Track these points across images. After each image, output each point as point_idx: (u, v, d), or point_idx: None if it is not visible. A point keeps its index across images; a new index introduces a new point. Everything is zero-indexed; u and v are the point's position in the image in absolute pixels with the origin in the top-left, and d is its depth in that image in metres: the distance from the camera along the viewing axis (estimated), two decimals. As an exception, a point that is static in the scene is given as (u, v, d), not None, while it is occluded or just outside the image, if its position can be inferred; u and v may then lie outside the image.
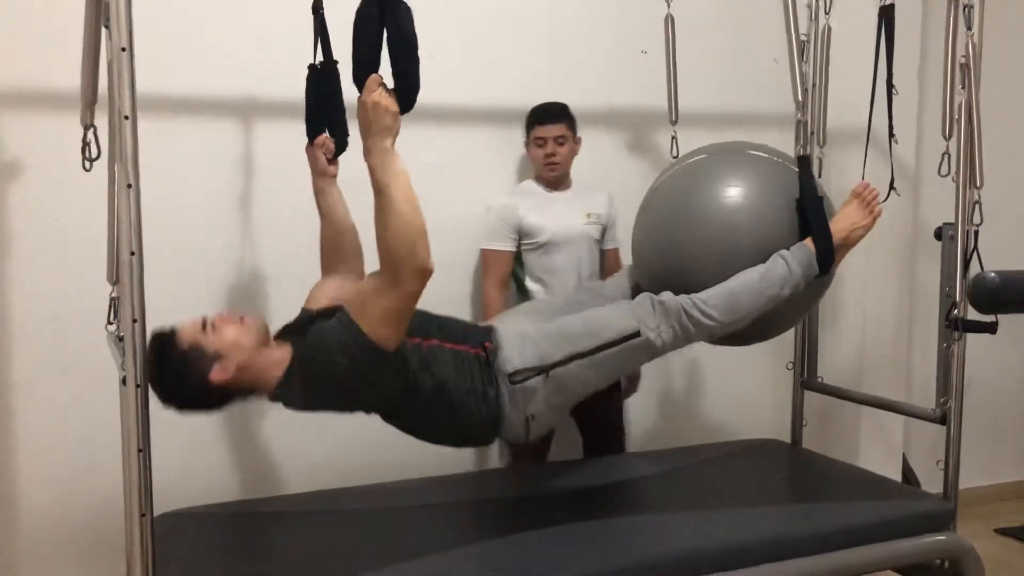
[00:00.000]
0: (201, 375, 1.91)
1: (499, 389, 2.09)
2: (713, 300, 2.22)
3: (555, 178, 2.99)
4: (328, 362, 1.89)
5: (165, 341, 1.91)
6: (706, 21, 3.31)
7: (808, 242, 2.31)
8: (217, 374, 1.92)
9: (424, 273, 1.84)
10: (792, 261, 2.27)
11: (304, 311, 2.22)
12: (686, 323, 2.20)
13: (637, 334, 2.16)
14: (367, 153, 1.82)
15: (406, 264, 1.82)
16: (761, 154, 2.47)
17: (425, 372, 2.02)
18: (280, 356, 1.98)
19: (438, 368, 2.04)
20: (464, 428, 2.11)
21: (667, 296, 2.23)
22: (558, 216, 2.96)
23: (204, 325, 1.95)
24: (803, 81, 2.93)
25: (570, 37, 3.18)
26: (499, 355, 2.11)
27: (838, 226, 2.36)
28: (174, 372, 1.89)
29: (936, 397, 2.59)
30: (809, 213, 2.32)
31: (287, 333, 2.09)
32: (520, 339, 2.15)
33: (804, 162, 2.40)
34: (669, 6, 2.85)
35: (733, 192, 2.33)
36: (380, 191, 1.81)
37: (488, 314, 2.89)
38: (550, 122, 2.93)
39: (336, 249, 2.32)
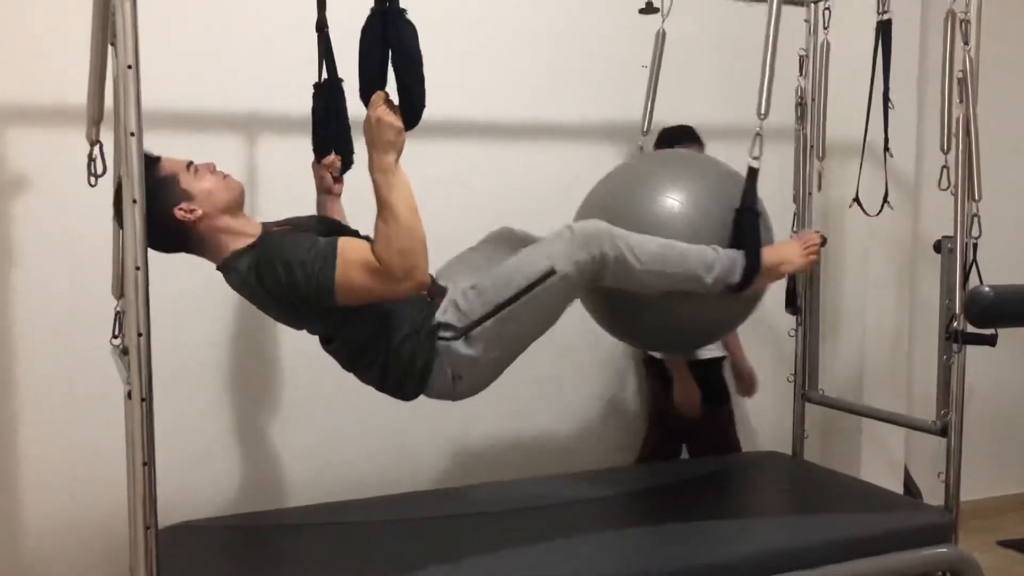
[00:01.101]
0: (167, 206, 1.92)
1: (434, 342, 2.06)
2: (646, 244, 2.13)
3: None
4: (286, 264, 1.88)
5: (147, 163, 1.85)
6: (703, 36, 3.34)
7: (740, 253, 2.24)
8: (181, 212, 1.93)
9: (419, 285, 1.87)
10: (722, 255, 2.21)
11: (310, 216, 2.23)
12: (607, 252, 2.08)
13: (551, 272, 2.04)
14: (371, 168, 1.84)
15: (404, 272, 1.84)
16: (707, 162, 2.46)
17: (369, 312, 2.00)
18: (245, 229, 1.99)
19: (383, 308, 2.01)
20: (392, 370, 2.06)
21: (592, 221, 2.14)
22: None
23: (189, 165, 1.97)
24: (800, 94, 2.98)
25: (569, 53, 3.20)
26: (434, 308, 2.08)
27: (771, 252, 2.30)
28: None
29: (937, 409, 2.59)
30: (745, 224, 2.26)
31: (280, 224, 2.09)
32: (450, 293, 2.11)
33: (752, 175, 2.33)
34: (664, 21, 2.86)
35: (671, 199, 2.29)
36: (383, 204, 1.83)
37: None
38: (687, 143, 2.99)
39: None
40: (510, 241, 2.41)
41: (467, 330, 2.05)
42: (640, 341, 2.41)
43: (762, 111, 2.38)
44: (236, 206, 2.02)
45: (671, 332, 2.41)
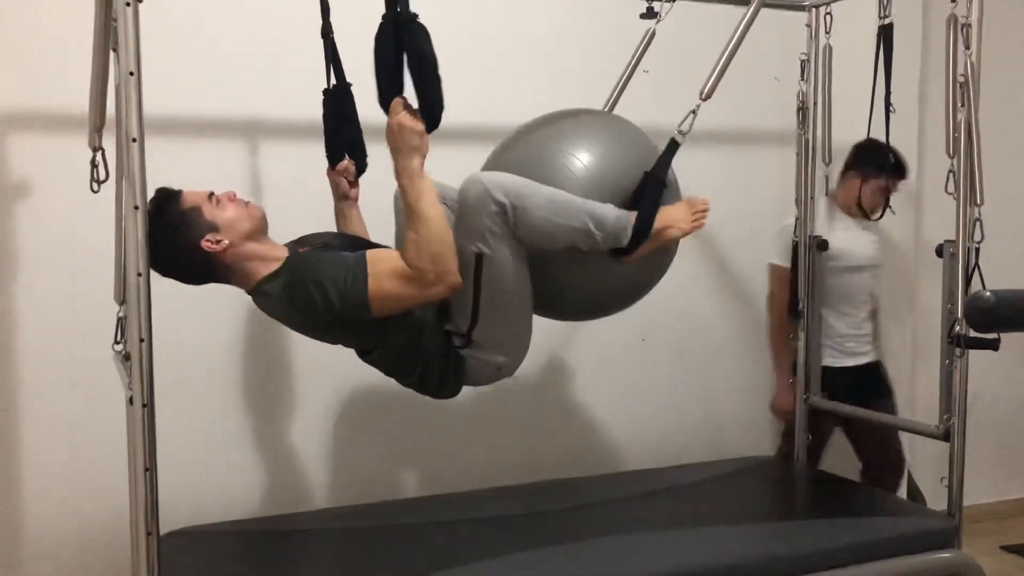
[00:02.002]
0: (193, 239, 1.93)
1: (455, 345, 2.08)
2: (540, 190, 2.04)
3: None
4: (315, 283, 1.90)
5: (168, 197, 1.92)
6: (707, 40, 3.33)
7: (633, 213, 2.18)
8: (208, 243, 1.94)
9: (452, 286, 1.90)
10: (614, 214, 2.13)
11: (330, 232, 2.25)
12: (503, 201, 1.97)
13: (480, 255, 1.98)
14: (397, 174, 1.88)
15: (435, 274, 1.87)
16: (626, 125, 2.40)
17: (407, 321, 2.02)
18: (271, 255, 2.00)
19: (417, 311, 2.03)
20: (433, 371, 2.09)
21: (486, 174, 2.06)
22: (862, 243, 3.18)
23: (211, 196, 1.98)
24: (802, 99, 2.97)
25: (572, 56, 3.20)
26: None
27: (660, 216, 2.22)
28: (167, 231, 1.89)
29: (939, 414, 2.59)
30: (648, 190, 2.19)
31: (303, 243, 2.11)
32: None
33: (673, 147, 2.27)
34: (657, 22, 2.85)
35: (577, 158, 2.20)
36: (412, 211, 1.87)
37: (775, 335, 3.22)
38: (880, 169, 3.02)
39: None
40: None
41: (468, 339, 2.07)
42: (544, 310, 2.36)
43: (704, 93, 2.37)
44: (260, 232, 2.03)
45: (567, 298, 2.32)
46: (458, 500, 2.71)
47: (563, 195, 2.08)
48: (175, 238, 1.90)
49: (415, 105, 1.87)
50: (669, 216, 2.24)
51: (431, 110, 1.86)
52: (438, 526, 2.47)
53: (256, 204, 2.06)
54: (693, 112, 2.30)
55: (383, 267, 1.91)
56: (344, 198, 2.35)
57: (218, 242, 1.95)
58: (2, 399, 2.58)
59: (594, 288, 2.31)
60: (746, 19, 2.40)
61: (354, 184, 2.34)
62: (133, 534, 1.68)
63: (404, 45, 1.82)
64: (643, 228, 2.16)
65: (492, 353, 2.09)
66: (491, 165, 2.32)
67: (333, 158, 2.31)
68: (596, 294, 2.34)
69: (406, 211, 1.88)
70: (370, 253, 1.95)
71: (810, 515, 2.66)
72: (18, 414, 2.60)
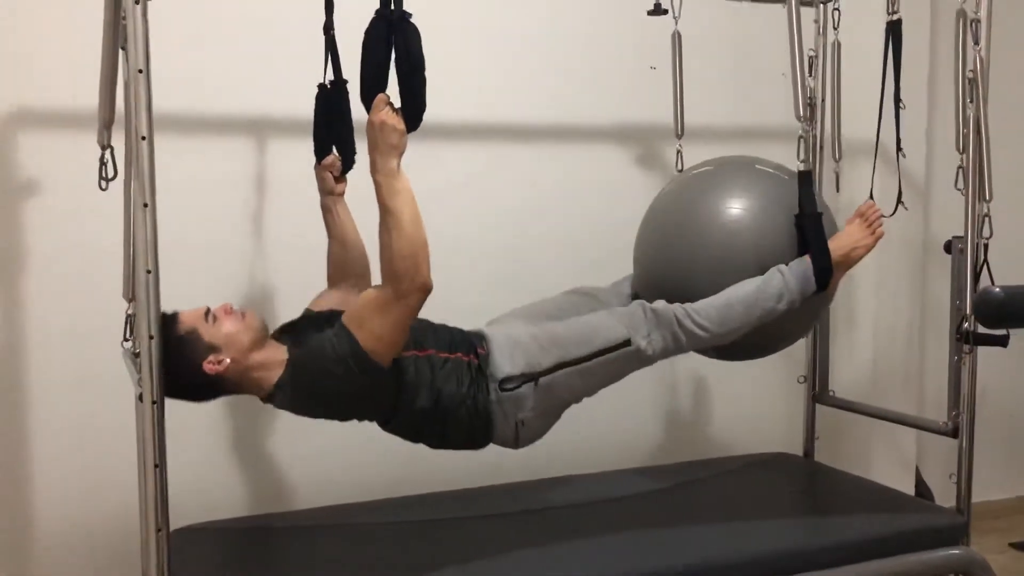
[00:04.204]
0: (194, 363, 1.93)
1: (489, 395, 2.09)
2: (707, 311, 2.21)
3: None
4: (324, 371, 1.92)
5: (166, 323, 1.90)
6: (714, 36, 3.33)
7: (807, 258, 2.29)
8: (210, 365, 1.93)
9: (425, 289, 1.88)
10: (789, 276, 2.25)
11: (306, 312, 2.25)
12: (678, 332, 2.18)
13: (628, 343, 2.15)
14: (373, 171, 1.86)
15: (408, 279, 1.85)
16: (762, 169, 2.47)
17: (421, 383, 2.03)
18: (275, 358, 1.99)
19: (434, 379, 2.05)
20: (455, 435, 2.12)
21: (660, 304, 2.22)
22: None
23: (207, 314, 1.98)
24: (810, 95, 2.96)
25: (579, 54, 3.20)
26: (490, 361, 2.11)
27: (838, 243, 2.34)
28: (169, 355, 1.86)
29: (948, 410, 2.58)
30: (807, 230, 2.30)
31: (285, 333, 2.11)
32: (511, 345, 2.14)
33: (805, 178, 2.36)
34: (676, 23, 2.87)
35: (733, 208, 2.33)
36: (385, 208, 1.85)
37: None
38: None
39: (343, 267, 2.35)
40: (582, 295, 2.52)
41: (538, 376, 2.09)
42: (746, 355, 2.54)
43: (800, 114, 2.38)
44: (261, 341, 2.02)
45: (771, 338, 2.46)
46: (466, 497, 2.71)
47: (729, 306, 2.21)
48: (177, 363, 1.87)
49: (398, 104, 1.86)
50: (846, 240, 2.36)
51: (414, 110, 1.85)
52: (447, 523, 2.47)
53: (253, 312, 2.05)
54: (802, 138, 2.38)
55: (358, 315, 1.91)
56: (330, 193, 2.35)
57: (220, 362, 1.94)
58: (12, 396, 2.59)
59: (804, 327, 2.53)
60: (793, 25, 2.42)
61: (340, 180, 2.35)
62: (143, 530, 1.69)
63: (395, 42, 1.82)
64: (824, 264, 2.28)
65: (543, 397, 2.11)
66: (648, 237, 2.52)
67: (320, 152, 2.31)
68: (805, 326, 2.55)
69: (380, 209, 1.87)
70: (345, 316, 1.95)
71: (818, 511, 2.66)
72: (28, 411, 2.61)
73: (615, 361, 2.16)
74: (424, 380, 2.04)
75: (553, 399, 2.14)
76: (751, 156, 2.58)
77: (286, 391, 1.97)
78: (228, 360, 1.95)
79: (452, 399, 2.06)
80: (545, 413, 2.16)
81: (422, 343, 2.09)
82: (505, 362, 2.10)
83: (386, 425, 2.13)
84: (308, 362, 1.95)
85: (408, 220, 1.85)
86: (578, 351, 2.12)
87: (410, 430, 2.13)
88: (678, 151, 2.93)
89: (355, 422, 2.11)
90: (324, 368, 1.91)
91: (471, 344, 2.15)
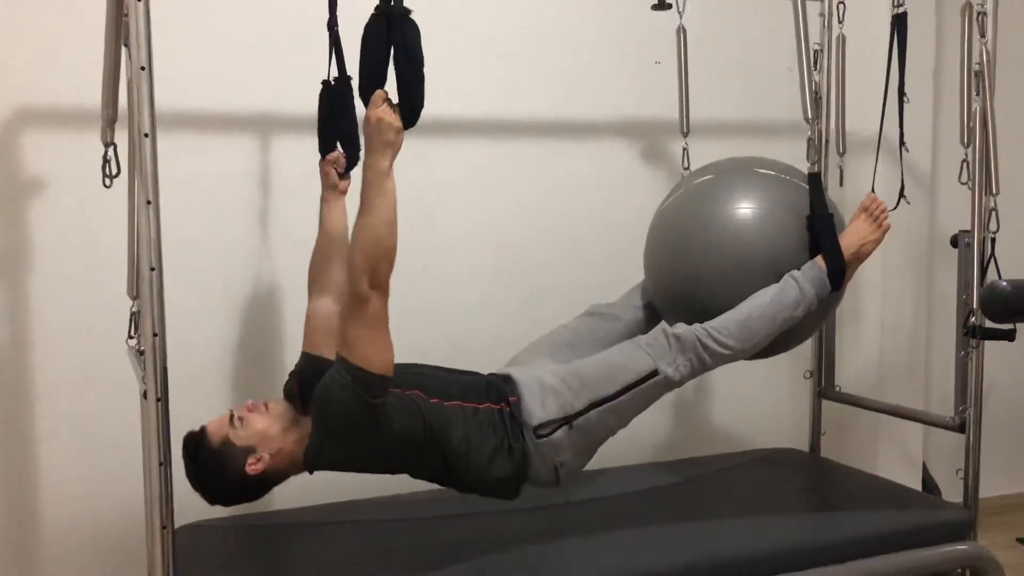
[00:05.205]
0: (238, 471, 1.94)
1: (524, 443, 2.09)
2: (727, 328, 2.20)
3: None
4: (340, 409, 1.91)
5: (197, 442, 1.95)
6: (718, 31, 3.32)
7: (819, 260, 2.29)
8: (252, 467, 1.95)
9: (381, 290, 1.87)
10: (804, 281, 2.25)
11: (304, 356, 2.25)
12: (702, 354, 2.18)
13: (655, 373, 2.15)
14: (365, 167, 1.86)
15: (366, 279, 1.84)
16: (770, 172, 2.46)
17: (454, 432, 2.03)
18: (302, 433, 1.99)
19: (467, 427, 2.05)
20: (493, 483, 2.11)
21: (681, 328, 2.21)
22: None
23: (232, 419, 1.98)
24: (815, 92, 2.95)
25: (582, 49, 3.19)
26: (522, 408, 2.11)
27: (847, 241, 2.34)
28: (211, 472, 1.94)
29: (955, 405, 2.57)
30: (819, 231, 2.31)
31: (294, 392, 2.08)
32: (540, 389, 2.13)
33: (814, 179, 2.37)
34: (681, 17, 2.86)
35: (743, 212, 2.32)
36: (367, 203, 1.85)
37: None
38: None
39: (326, 257, 2.33)
40: (597, 317, 2.53)
41: (571, 419, 2.09)
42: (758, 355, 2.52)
43: (808, 115, 2.41)
44: (291, 424, 2.02)
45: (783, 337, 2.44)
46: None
47: (749, 319, 2.22)
48: (222, 476, 1.94)
49: (395, 101, 1.86)
50: (854, 237, 2.37)
51: (412, 108, 1.84)
52: (452, 519, 2.47)
53: (275, 400, 2.06)
54: (811, 139, 2.46)
55: (344, 340, 1.90)
56: (333, 189, 2.35)
57: (259, 460, 1.95)
58: (17, 394, 2.59)
59: (813, 326, 2.53)
60: (800, 27, 2.44)
61: (344, 176, 2.34)
62: (148, 528, 1.69)
63: (394, 39, 1.82)
64: (837, 264, 2.30)
65: (578, 438, 2.11)
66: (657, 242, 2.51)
67: (325, 148, 2.31)
68: (817, 323, 2.55)
69: (360, 204, 1.86)
70: (336, 351, 1.94)
71: (824, 507, 2.65)
72: (32, 409, 2.61)
73: (645, 392, 2.16)
74: (456, 428, 2.03)
75: (589, 438, 2.15)
76: (752, 157, 2.57)
77: (318, 450, 1.97)
78: (267, 456, 1.96)
79: (484, 446, 2.06)
80: (583, 451, 2.17)
81: (448, 393, 2.08)
82: (537, 408, 2.10)
83: (418, 471, 2.11)
84: (326, 421, 1.95)
85: (382, 222, 1.84)
86: (608, 389, 2.13)
87: (445, 479, 2.13)
88: (684, 148, 2.92)
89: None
90: (340, 404, 1.90)
91: (501, 392, 2.14)
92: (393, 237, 1.86)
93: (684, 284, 2.38)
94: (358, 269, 1.85)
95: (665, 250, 2.47)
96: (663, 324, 2.30)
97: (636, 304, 2.58)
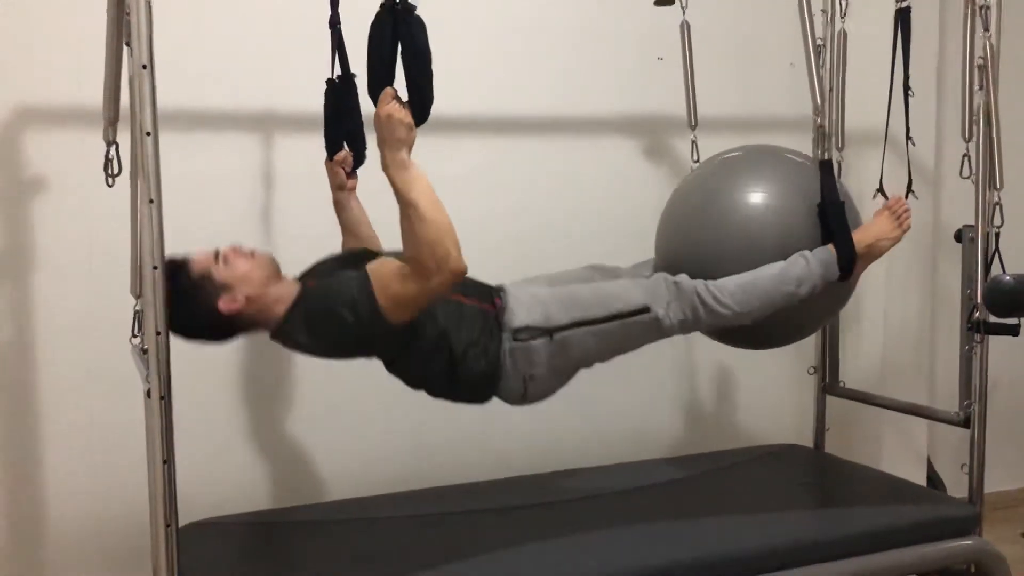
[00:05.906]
0: (209, 304, 1.94)
1: (501, 345, 2.09)
2: (729, 289, 2.21)
3: None
4: (333, 312, 1.92)
5: (177, 268, 1.92)
6: (722, 26, 3.31)
7: (831, 246, 2.30)
8: (225, 304, 1.95)
9: (458, 273, 1.87)
10: (813, 261, 2.26)
11: (331, 257, 2.24)
12: (698, 307, 2.19)
13: (646, 310, 2.16)
14: (385, 166, 1.85)
15: (440, 266, 1.84)
16: (784, 156, 2.46)
17: (429, 321, 2.03)
18: (287, 292, 2.00)
19: (442, 318, 2.05)
20: (461, 381, 2.11)
21: (683, 278, 2.23)
22: None
23: (216, 256, 1.99)
24: (820, 85, 2.95)
25: (585, 45, 3.19)
26: (507, 311, 2.12)
27: (864, 234, 2.35)
28: (184, 299, 1.89)
29: (959, 400, 2.57)
30: (830, 218, 2.31)
31: (312, 274, 2.11)
32: (530, 299, 2.15)
33: (826, 167, 2.38)
34: (684, 12, 2.85)
35: (755, 196, 2.33)
36: (404, 200, 1.84)
37: None
38: None
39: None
40: (602, 271, 2.53)
41: (554, 331, 2.10)
42: (763, 344, 2.56)
43: (818, 103, 2.42)
44: (273, 276, 2.03)
45: (789, 328, 2.48)
46: (475, 490, 2.71)
47: (752, 284, 2.22)
48: (194, 306, 1.92)
49: (405, 98, 1.86)
50: (873, 232, 2.39)
51: (421, 104, 1.84)
52: (453, 516, 2.47)
53: (261, 250, 2.06)
54: (821, 127, 2.47)
55: (384, 271, 1.92)
56: (341, 188, 2.35)
57: (234, 300, 1.96)
58: (20, 393, 2.59)
59: (826, 313, 2.54)
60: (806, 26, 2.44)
61: (352, 175, 2.35)
62: (152, 526, 1.69)
63: (400, 35, 1.81)
64: (847, 253, 2.30)
65: (557, 352, 2.11)
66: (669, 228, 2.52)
67: (331, 148, 2.31)
68: (825, 317, 2.56)
69: (399, 203, 1.86)
70: (371, 265, 1.96)
71: (829, 503, 2.65)
72: (37, 408, 2.61)
73: (631, 327, 2.16)
74: (437, 321, 2.04)
75: (565, 358, 2.14)
76: (766, 144, 2.57)
77: (296, 325, 1.98)
78: (243, 297, 1.96)
79: (460, 341, 2.06)
80: (556, 371, 2.16)
81: None
82: (522, 312, 2.11)
83: (390, 366, 2.13)
84: (318, 299, 1.97)
85: (428, 207, 1.84)
86: (596, 312, 2.13)
87: (414, 373, 2.13)
88: (693, 141, 2.92)
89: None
90: (334, 308, 1.92)
91: (490, 294, 2.16)
92: (445, 214, 1.86)
93: (692, 265, 2.36)
94: (430, 262, 1.84)
95: (675, 231, 2.47)
96: (665, 273, 2.29)
97: (643, 274, 2.56)
